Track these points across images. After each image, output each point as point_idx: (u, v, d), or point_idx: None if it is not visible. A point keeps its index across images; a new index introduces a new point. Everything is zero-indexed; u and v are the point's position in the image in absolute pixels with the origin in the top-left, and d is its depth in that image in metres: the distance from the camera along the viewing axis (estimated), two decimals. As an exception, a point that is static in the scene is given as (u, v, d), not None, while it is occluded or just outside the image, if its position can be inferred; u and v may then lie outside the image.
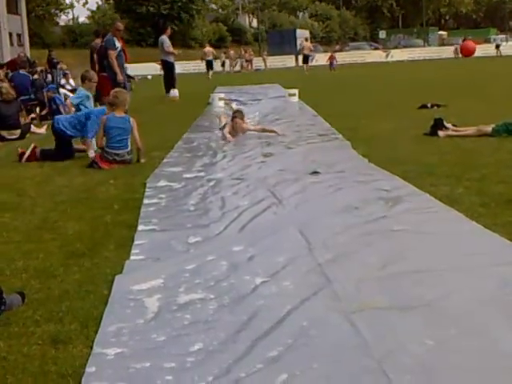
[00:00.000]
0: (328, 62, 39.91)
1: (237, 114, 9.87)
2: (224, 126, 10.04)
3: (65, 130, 8.61)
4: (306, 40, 43.81)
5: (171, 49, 18.79)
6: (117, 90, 9.16)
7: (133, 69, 29.78)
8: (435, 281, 3.46)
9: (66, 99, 14.89)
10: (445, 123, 9.11)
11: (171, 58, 19.00)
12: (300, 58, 41.44)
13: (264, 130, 9.56)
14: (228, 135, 9.48)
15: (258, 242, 4.35)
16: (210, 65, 38.03)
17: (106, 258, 4.21)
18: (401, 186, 5.88)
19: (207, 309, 3.27)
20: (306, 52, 39.65)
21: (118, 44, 14.23)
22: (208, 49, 38.69)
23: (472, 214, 4.76)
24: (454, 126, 9.17)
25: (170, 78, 19.16)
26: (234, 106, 13.08)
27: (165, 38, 18.70)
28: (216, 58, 41.17)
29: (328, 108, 13.85)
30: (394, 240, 4.27)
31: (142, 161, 8.09)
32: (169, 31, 19.15)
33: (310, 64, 39.50)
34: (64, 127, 8.62)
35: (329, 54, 43.84)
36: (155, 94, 20.84)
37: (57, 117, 9.39)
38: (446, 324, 2.94)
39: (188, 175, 7.13)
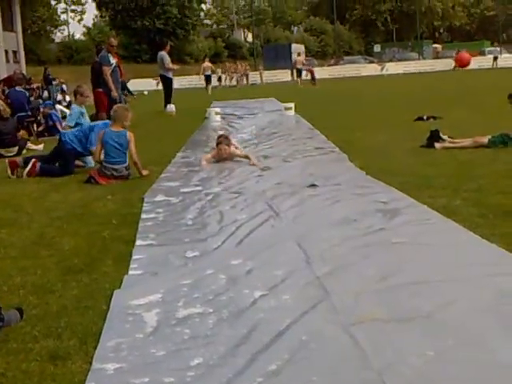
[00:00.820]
0: (309, 77, 39.84)
1: (222, 140, 8.97)
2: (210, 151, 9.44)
3: (71, 143, 8.65)
4: (299, 55, 44.08)
5: (171, 65, 18.94)
6: (118, 105, 9.20)
7: (129, 84, 29.85)
8: (433, 292, 3.46)
9: (63, 117, 14.95)
10: (441, 135, 9.14)
11: (170, 74, 19.14)
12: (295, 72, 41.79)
13: (247, 157, 8.80)
14: (204, 162, 8.76)
15: (256, 256, 4.35)
16: (208, 79, 38.30)
17: (105, 273, 4.20)
18: (398, 198, 5.88)
19: (206, 323, 3.26)
20: (298, 66, 40.07)
21: (113, 60, 14.28)
22: (207, 64, 38.95)
23: (470, 224, 4.77)
24: (450, 137, 9.20)
25: (168, 93, 19.30)
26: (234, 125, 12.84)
27: (164, 55, 18.82)
28: (213, 72, 41.43)
29: (324, 121, 13.89)
30: (392, 252, 4.27)
31: (145, 173, 8.08)
32: (168, 47, 19.29)
33: (303, 78, 39.71)
34: (71, 141, 8.67)
35: (308, 68, 43.46)
36: (152, 109, 20.90)
37: (63, 131, 9.47)
38: (445, 335, 2.93)
39: (185, 189, 7.12)
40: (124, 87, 20.16)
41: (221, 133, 10.84)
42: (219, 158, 8.86)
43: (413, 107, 15.71)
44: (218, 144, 8.93)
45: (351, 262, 4.07)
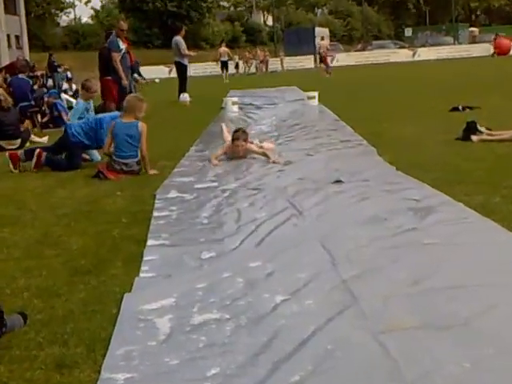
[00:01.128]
0: (323, 65, 39.32)
1: (239, 135, 8.57)
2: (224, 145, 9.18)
3: (78, 136, 8.69)
4: (322, 39, 43.96)
5: (187, 51, 19.04)
6: (132, 95, 9.17)
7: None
8: (471, 297, 3.44)
9: (70, 107, 15.03)
10: (478, 127, 9.07)
11: (186, 61, 19.23)
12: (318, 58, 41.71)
13: (264, 154, 8.54)
14: (214, 161, 8.41)
15: (277, 257, 4.35)
16: (224, 66, 38.37)
17: (114, 276, 4.22)
18: (432, 195, 5.85)
19: (223, 330, 3.27)
20: (322, 51, 39.90)
21: (123, 45, 14.32)
22: (223, 49, 39.13)
23: (510, 224, 4.72)
24: (488, 129, 9.13)
25: (183, 80, 19.39)
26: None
27: (179, 40, 18.92)
28: (230, 58, 41.53)
29: (351, 111, 13.86)
30: (424, 253, 4.24)
31: (151, 172, 8.02)
32: (183, 32, 19.39)
33: (329, 64, 39.55)
34: (78, 133, 8.70)
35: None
36: (164, 98, 20.96)
37: (69, 123, 9.49)
38: (483, 343, 2.91)
39: (200, 185, 7.14)
40: (135, 70, 20.06)
41: (236, 127, 10.42)
42: (233, 156, 8.62)
43: (447, 96, 15.61)
44: (234, 140, 8.57)
45: (380, 264, 4.05)
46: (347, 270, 3.97)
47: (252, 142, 9.01)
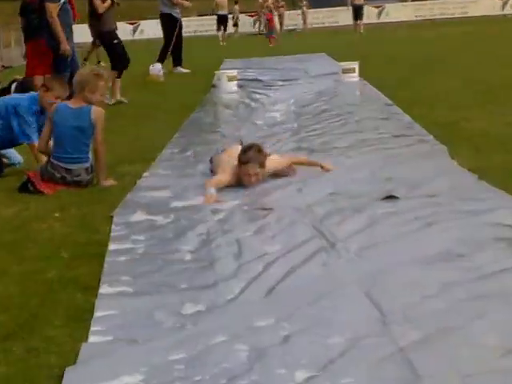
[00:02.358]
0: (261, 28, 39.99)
1: (251, 156, 7.56)
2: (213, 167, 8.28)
3: None
4: None
5: None
6: (91, 68, 9.05)
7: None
8: None
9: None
10: None
11: (178, 12, 19.53)
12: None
13: (302, 163, 8.08)
14: (211, 190, 7.34)
15: (297, 313, 4.35)
16: (222, 22, 38.75)
17: (50, 340, 4.21)
18: (532, 218, 5.86)
19: (216, 423, 3.27)
20: (357, 2, 40.36)
21: (62, -7, 14.33)
22: None
23: None
24: None
25: (176, 42, 19.63)
26: None
27: None
28: (230, 12, 42.00)
29: (408, 91, 13.90)
30: (523, 307, 4.24)
31: (107, 184, 8.02)
32: None
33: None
34: None
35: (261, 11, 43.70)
36: (128, 71, 20.99)
37: None
38: None
39: (180, 203, 7.16)
40: None
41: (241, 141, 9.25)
42: (236, 182, 7.79)
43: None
44: (242, 163, 7.63)
45: (456, 323, 4.04)
46: (405, 332, 3.97)
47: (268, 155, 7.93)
